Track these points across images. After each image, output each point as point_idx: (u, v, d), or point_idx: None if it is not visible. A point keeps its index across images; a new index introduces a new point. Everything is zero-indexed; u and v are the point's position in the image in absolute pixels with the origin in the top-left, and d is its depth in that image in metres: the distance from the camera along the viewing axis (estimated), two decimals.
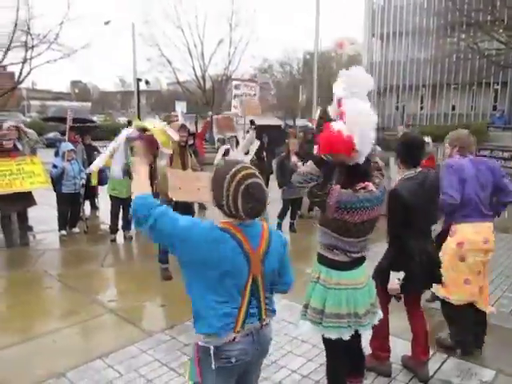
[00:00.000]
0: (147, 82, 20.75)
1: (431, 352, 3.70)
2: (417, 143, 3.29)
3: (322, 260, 2.78)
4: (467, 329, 3.78)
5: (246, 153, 3.22)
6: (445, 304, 3.83)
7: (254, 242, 1.99)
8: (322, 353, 3.30)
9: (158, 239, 2.02)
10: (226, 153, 7.72)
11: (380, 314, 2.93)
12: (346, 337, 2.70)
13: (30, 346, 3.95)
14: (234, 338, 1.97)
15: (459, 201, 3.60)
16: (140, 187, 1.98)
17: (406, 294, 3.33)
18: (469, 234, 3.65)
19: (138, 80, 20.29)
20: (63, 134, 8.94)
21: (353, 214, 2.56)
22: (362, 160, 2.58)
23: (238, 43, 26.65)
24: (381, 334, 3.39)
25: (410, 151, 3.23)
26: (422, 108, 29.66)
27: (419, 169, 3.23)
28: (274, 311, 2.16)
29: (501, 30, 16.38)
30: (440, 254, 3.59)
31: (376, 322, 2.88)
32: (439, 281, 3.40)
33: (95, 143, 9.56)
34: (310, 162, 2.71)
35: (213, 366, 1.95)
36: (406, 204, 3.05)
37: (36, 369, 3.54)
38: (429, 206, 3.21)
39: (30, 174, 6.88)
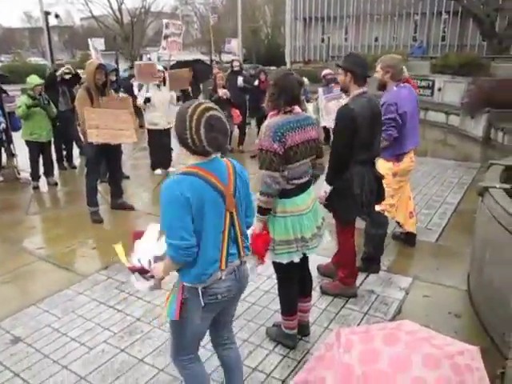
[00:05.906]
0: (57, 16, 18.87)
1: None
2: (364, 59, 3.27)
3: None
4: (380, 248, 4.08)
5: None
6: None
7: (222, 178, 2.01)
8: (268, 281, 3.59)
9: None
10: (147, 100, 7.35)
11: (327, 237, 2.98)
12: (297, 259, 2.78)
13: None
14: (221, 277, 2.04)
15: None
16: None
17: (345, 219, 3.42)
18: (407, 162, 4.01)
19: (47, 14, 18.31)
20: None
21: (288, 136, 2.58)
22: None
23: None
24: (349, 262, 3.52)
25: (361, 65, 3.16)
26: (346, 40, 29.90)
27: (366, 88, 3.20)
28: (248, 248, 2.22)
29: None
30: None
31: (324, 244, 2.95)
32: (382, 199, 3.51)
33: (5, 87, 8.72)
34: None
35: (202, 303, 2.03)
36: (355, 117, 3.05)
37: None
38: (372, 128, 3.17)
39: None
